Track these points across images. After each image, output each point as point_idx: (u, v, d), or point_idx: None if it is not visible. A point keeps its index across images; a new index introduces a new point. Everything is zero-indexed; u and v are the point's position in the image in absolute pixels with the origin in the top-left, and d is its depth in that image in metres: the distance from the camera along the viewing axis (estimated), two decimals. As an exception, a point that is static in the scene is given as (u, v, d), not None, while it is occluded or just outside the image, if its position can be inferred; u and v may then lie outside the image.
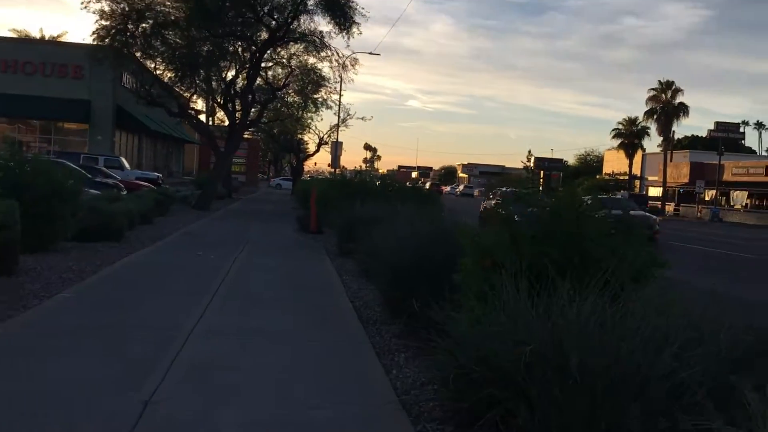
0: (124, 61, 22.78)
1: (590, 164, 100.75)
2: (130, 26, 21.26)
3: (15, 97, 35.77)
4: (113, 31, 20.93)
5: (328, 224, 16.87)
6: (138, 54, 23.48)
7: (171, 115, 26.36)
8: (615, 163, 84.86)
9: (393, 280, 6.39)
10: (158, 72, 26.28)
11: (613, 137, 63.59)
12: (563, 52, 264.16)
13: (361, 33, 23.57)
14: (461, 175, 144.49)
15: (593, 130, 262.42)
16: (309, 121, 43.14)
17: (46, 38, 48.96)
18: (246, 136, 62.50)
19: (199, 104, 39.85)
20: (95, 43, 21.22)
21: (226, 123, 31.38)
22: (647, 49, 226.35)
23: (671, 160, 63.79)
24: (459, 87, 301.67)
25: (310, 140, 55.21)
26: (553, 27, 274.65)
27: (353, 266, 10.91)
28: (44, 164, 9.75)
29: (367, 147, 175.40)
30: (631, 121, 62.17)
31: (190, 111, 27.50)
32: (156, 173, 31.79)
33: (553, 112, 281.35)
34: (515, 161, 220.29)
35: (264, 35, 24.19)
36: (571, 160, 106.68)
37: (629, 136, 61.69)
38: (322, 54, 25.61)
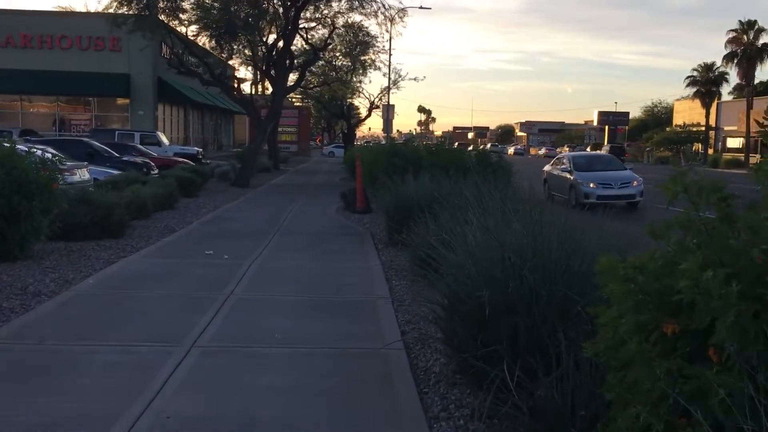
0: (150, 26, 20.57)
1: (658, 116, 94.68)
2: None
3: (52, 74, 34.44)
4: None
5: (376, 198, 14.46)
6: (164, 17, 21.25)
7: (204, 84, 24.20)
8: (686, 114, 78.97)
9: (467, 320, 3.87)
10: (191, 37, 24.16)
11: (688, 85, 58.50)
12: (621, 0, 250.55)
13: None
14: (519, 133, 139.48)
15: (656, 81, 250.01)
16: (358, 84, 40.50)
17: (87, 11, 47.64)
18: (296, 103, 60.79)
19: (243, 72, 37.83)
20: (115, 6, 19.05)
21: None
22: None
23: (752, 108, 58.36)
24: (513, 44, 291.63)
25: (361, 105, 52.70)
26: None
27: (405, 262, 8.46)
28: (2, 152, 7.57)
29: (421, 109, 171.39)
30: (708, 67, 56.93)
31: (225, 79, 25.29)
32: (195, 148, 29.93)
33: (612, 64, 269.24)
34: (575, 117, 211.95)
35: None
36: (635, 112, 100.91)
37: (705, 84, 56.47)
38: (368, 8, 22.88)
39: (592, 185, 16.62)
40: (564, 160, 19.10)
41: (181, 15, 21.89)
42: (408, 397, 4.04)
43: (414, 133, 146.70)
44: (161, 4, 20.27)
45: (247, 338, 5.12)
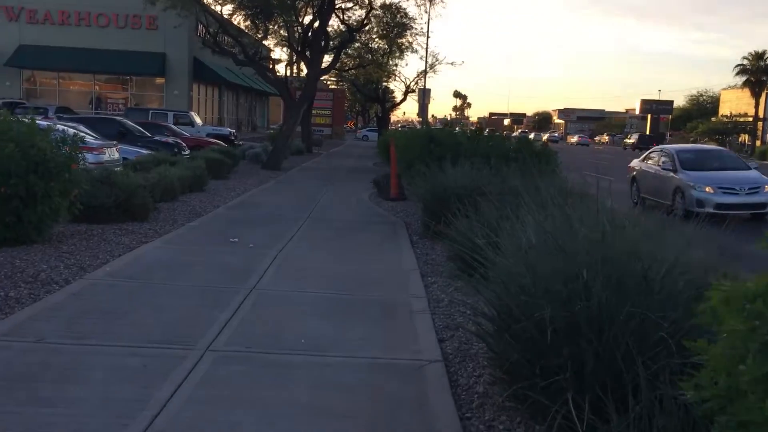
0: (184, 3, 20.17)
1: (703, 106, 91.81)
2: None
3: (89, 52, 34.49)
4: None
5: (411, 185, 13.88)
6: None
7: (238, 64, 23.79)
8: (734, 104, 76.31)
9: (521, 341, 3.28)
10: (226, 16, 23.75)
11: (737, 74, 56.27)
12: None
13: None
14: (557, 120, 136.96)
15: (701, 70, 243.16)
16: (394, 67, 39.75)
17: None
18: (331, 86, 60.23)
19: (277, 53, 37.45)
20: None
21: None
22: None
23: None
24: (553, 29, 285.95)
25: (397, 89, 52.00)
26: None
27: (442, 257, 7.89)
28: (15, 128, 7.16)
29: (457, 94, 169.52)
30: (758, 56, 54.68)
31: (259, 59, 24.84)
32: (228, 129, 29.62)
33: (654, 51, 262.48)
34: (614, 104, 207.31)
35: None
36: (679, 101, 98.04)
37: (756, 72, 54.29)
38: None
39: (708, 189, 12.96)
40: (664, 155, 14.95)
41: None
42: (448, 422, 3.49)
43: (449, 119, 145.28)
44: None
45: (268, 343, 4.61)
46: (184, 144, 19.28)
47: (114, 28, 35.39)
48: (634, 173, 15.88)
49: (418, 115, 41.77)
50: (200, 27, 32.37)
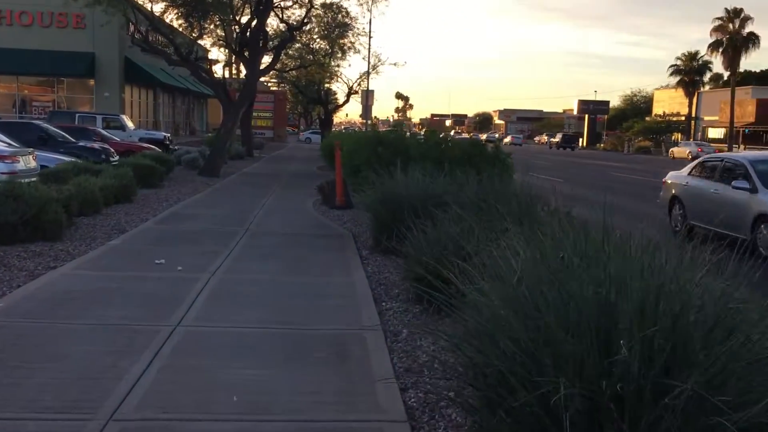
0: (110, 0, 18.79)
1: (637, 105, 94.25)
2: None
3: (11, 52, 32.30)
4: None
5: (358, 191, 13.06)
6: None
7: (171, 64, 22.47)
8: (667, 104, 78.52)
9: (522, 423, 2.48)
10: (158, 13, 22.40)
11: (671, 74, 57.81)
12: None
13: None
14: (497, 121, 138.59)
15: (633, 71, 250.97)
16: (336, 68, 38.89)
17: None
18: (272, 88, 58.77)
19: (215, 54, 36.05)
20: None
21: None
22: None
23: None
24: (492, 32, 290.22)
25: (339, 90, 51.13)
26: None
27: (396, 276, 7.11)
28: None
29: (399, 96, 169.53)
30: (691, 56, 56.23)
31: (195, 59, 23.55)
32: (163, 133, 28.13)
33: (587, 53, 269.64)
34: (551, 105, 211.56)
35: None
36: (615, 101, 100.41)
37: (689, 73, 55.74)
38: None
39: None
40: (729, 166, 10.72)
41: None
42: None
43: (392, 120, 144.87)
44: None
45: (190, 404, 3.70)
46: (112, 150, 17.93)
47: (38, 27, 33.32)
48: (676, 191, 11.88)
49: (362, 116, 40.99)
50: (131, 26, 30.86)
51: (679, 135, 74.25)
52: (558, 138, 76.24)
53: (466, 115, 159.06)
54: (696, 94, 63.11)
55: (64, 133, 17.88)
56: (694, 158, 54.35)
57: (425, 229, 6.74)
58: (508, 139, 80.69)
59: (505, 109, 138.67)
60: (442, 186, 8.50)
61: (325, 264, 7.70)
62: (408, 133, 12.93)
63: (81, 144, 17.44)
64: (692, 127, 67.16)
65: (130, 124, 26.37)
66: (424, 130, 14.74)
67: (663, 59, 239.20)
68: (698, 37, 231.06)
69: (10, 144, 13.74)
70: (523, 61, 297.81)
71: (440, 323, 5.21)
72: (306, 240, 9.26)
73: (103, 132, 22.31)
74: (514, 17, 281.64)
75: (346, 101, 45.46)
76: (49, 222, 8.14)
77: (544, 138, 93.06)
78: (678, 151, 53.61)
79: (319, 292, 6.35)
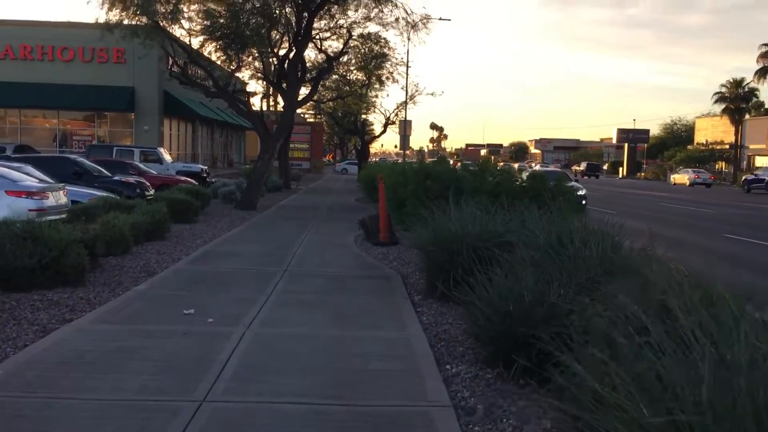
0: (149, 32, 18.50)
1: (677, 134, 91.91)
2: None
3: (53, 87, 32.65)
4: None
5: (403, 226, 12.16)
6: (166, 24, 19.15)
7: (208, 96, 22.08)
8: (709, 132, 76.26)
9: None
10: (197, 47, 22.13)
11: (716, 102, 55.89)
12: (633, 20, 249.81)
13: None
14: (533, 151, 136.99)
15: (669, 99, 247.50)
16: (373, 98, 38.43)
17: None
18: (309, 119, 58.75)
19: (252, 86, 35.94)
20: (106, 8, 16.90)
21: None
22: (723, 13, 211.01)
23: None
24: (527, 61, 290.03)
25: (376, 120, 50.74)
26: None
27: (459, 329, 6.16)
28: None
29: (434, 126, 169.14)
30: (737, 83, 54.36)
31: (233, 91, 23.18)
32: (200, 166, 27.78)
33: (624, 83, 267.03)
34: (588, 134, 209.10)
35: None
36: (653, 130, 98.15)
37: (734, 100, 53.85)
38: (386, 12, 20.69)
39: None
40: None
41: (183, 21, 19.86)
42: None
43: (426, 150, 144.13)
44: (161, 9, 18.16)
45: None
46: (148, 184, 17.41)
47: (79, 62, 33.62)
48: None
49: (400, 146, 40.31)
50: (169, 58, 30.89)
51: (724, 164, 71.85)
52: (582, 166, 76.82)
53: (501, 145, 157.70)
54: (741, 121, 61.03)
55: (99, 168, 17.47)
56: (692, 184, 53.65)
57: (491, 275, 5.80)
58: (581, 167, 79.64)
59: (542, 139, 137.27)
60: (502, 223, 7.55)
61: (374, 312, 6.78)
62: (457, 164, 11.99)
63: (116, 178, 16.97)
64: (737, 155, 64.81)
65: (167, 157, 26.08)
66: (479, 161, 13.82)
67: (699, 88, 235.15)
68: (735, 66, 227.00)
69: (41, 180, 13.27)
70: (558, 90, 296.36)
71: (529, 397, 4.24)
72: (350, 282, 8.37)
73: (141, 165, 21.95)
74: (546, 46, 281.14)
75: (383, 132, 44.92)
76: (71, 266, 7.41)
77: (582, 167, 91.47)
78: (678, 178, 55.66)
79: (371, 350, 5.42)
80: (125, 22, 17.28)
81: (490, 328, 5.17)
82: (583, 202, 18.41)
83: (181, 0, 18.19)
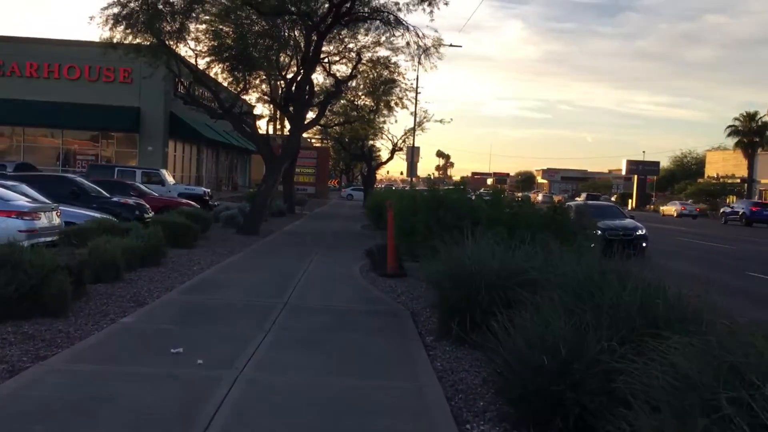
0: (153, 50, 18.11)
1: (688, 167, 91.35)
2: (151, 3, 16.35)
3: (58, 105, 32.33)
4: (129, 8, 16.12)
5: (412, 256, 11.50)
6: (172, 43, 18.76)
7: (213, 117, 21.61)
8: (720, 165, 75.68)
9: None
10: (203, 68, 21.75)
11: (729, 135, 55.36)
12: (640, 52, 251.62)
13: (447, 3, 18.07)
14: (540, 180, 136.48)
15: (675, 132, 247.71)
16: (381, 124, 38.02)
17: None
18: (315, 144, 58.44)
19: (259, 109, 35.59)
20: (109, 27, 16.47)
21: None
22: (730, 47, 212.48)
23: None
24: (532, 92, 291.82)
25: (383, 146, 50.40)
26: (629, 27, 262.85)
27: (477, 378, 5.49)
28: None
29: (440, 154, 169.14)
30: (750, 117, 53.90)
31: (240, 113, 22.74)
32: (203, 188, 27.26)
33: (631, 114, 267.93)
34: (595, 165, 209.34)
35: (324, 9, 19.08)
36: (663, 162, 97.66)
37: (748, 134, 53.34)
38: (397, 35, 20.27)
39: None
40: None
41: (189, 39, 19.49)
42: None
43: (432, 177, 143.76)
44: (167, 27, 17.77)
45: None
46: (147, 206, 16.85)
47: (85, 81, 33.34)
48: None
49: (407, 173, 39.79)
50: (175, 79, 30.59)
51: (734, 197, 71.18)
52: (582, 197, 75.93)
53: (508, 174, 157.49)
54: (754, 155, 60.48)
55: (98, 188, 16.93)
56: (679, 216, 55.14)
57: (516, 319, 5.15)
58: (539, 198, 78.99)
59: (549, 169, 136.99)
60: (524, 259, 6.90)
61: (381, 356, 6.11)
62: (473, 193, 11.27)
63: (114, 199, 16.42)
64: (747, 189, 64.11)
65: (170, 179, 25.58)
66: (494, 189, 13.19)
67: (705, 122, 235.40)
68: (742, 100, 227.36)
69: (35, 199, 12.73)
70: (564, 121, 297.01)
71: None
72: (356, 319, 7.70)
73: (141, 187, 21.44)
74: (551, 77, 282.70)
75: (390, 158, 44.43)
76: (52, 295, 6.77)
77: (581, 197, 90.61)
78: (666, 210, 59.61)
79: (378, 403, 4.75)
80: (129, 39, 16.85)
81: (517, 384, 4.50)
82: (644, 244, 16.96)
83: (188, 17, 17.79)
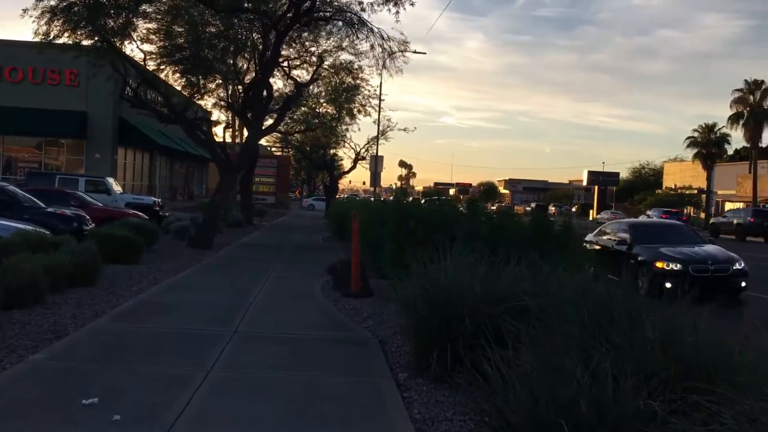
0: (98, 51, 16.70)
1: (645, 178, 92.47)
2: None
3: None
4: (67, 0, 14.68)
5: (379, 272, 10.45)
6: (117, 42, 17.36)
7: (162, 121, 20.24)
8: (678, 176, 76.70)
9: None
10: (153, 69, 20.38)
11: (688, 146, 55.84)
12: (597, 65, 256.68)
13: (413, 3, 17.12)
14: (503, 191, 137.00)
15: (632, 144, 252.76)
16: (344, 132, 36.92)
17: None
18: (276, 153, 56.96)
19: (215, 115, 34.12)
20: (44, 22, 14.95)
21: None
22: (683, 61, 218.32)
23: (751, 172, 55.42)
24: (493, 103, 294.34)
25: (345, 155, 49.31)
26: (585, 40, 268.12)
27: (464, 427, 4.44)
28: None
29: (402, 164, 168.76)
30: (709, 128, 54.45)
31: (195, 119, 21.40)
32: (152, 198, 25.71)
33: (589, 126, 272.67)
34: (555, 176, 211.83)
35: (284, 8, 17.96)
36: (622, 173, 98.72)
37: (707, 145, 53.84)
38: (361, 37, 19.24)
39: None
40: None
41: (136, 38, 18.13)
42: None
43: (394, 187, 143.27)
44: (110, 23, 16.37)
45: None
46: (87, 217, 15.39)
47: (29, 83, 31.40)
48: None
49: (371, 183, 38.83)
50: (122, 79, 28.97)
51: (691, 208, 72.09)
52: (533, 206, 77.74)
53: (470, 184, 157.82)
54: (712, 166, 61.23)
55: (31, 197, 15.41)
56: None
57: (514, 359, 4.16)
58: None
59: (510, 179, 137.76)
60: (513, 281, 5.89)
61: (348, 402, 5.01)
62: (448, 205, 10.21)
63: (50, 210, 14.92)
64: (708, 200, 64.90)
65: (116, 188, 23.99)
66: (470, 198, 12.28)
67: (660, 133, 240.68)
68: (696, 113, 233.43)
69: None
70: (524, 132, 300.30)
71: None
72: (317, 351, 6.57)
73: (84, 196, 19.89)
74: (510, 89, 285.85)
75: (353, 167, 43.38)
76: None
77: (554, 209, 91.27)
78: (598, 218, 61.04)
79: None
80: (68, 36, 15.39)
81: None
82: (743, 284, 11.66)
83: (135, 14, 16.43)
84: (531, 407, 3.64)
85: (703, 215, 61.61)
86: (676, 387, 3.59)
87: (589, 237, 14.94)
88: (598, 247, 14.02)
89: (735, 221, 37.22)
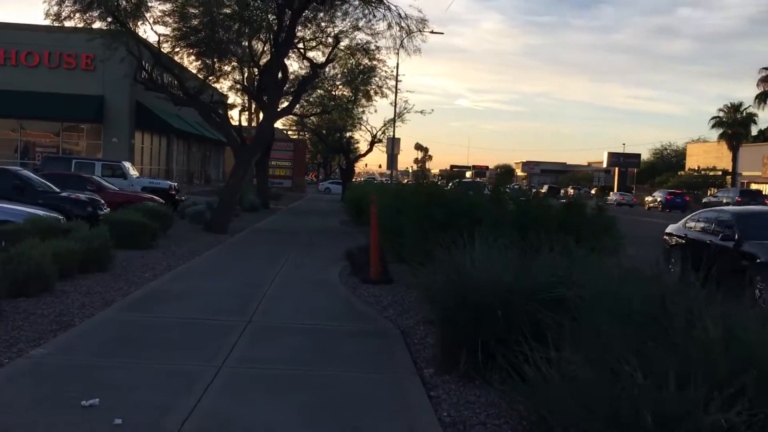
0: (115, 33, 16.36)
1: (667, 159, 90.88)
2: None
3: (15, 94, 30.20)
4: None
5: (398, 257, 10.02)
6: (132, 25, 17.00)
7: (177, 104, 19.90)
8: (701, 157, 75.22)
9: None
10: (167, 51, 20.01)
11: (713, 126, 54.56)
12: (616, 45, 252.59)
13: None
14: (520, 173, 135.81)
15: (653, 124, 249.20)
16: (360, 115, 36.41)
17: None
18: (292, 136, 56.60)
19: (232, 97, 33.75)
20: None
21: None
22: (704, 40, 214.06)
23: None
24: (510, 85, 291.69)
25: (362, 138, 48.78)
26: (604, 20, 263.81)
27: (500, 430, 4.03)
28: None
29: (419, 147, 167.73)
30: (735, 108, 53.13)
31: (211, 102, 21.06)
32: (168, 182, 25.44)
33: (609, 107, 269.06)
34: (574, 158, 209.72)
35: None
36: (643, 154, 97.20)
37: (732, 125, 52.55)
38: (378, 15, 18.69)
39: None
40: None
41: (151, 21, 17.75)
42: None
43: (410, 171, 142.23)
44: (123, 4, 16.00)
45: None
46: (102, 201, 15.13)
47: (45, 68, 31.24)
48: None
49: (387, 166, 38.30)
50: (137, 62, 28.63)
51: (715, 189, 70.75)
52: (545, 189, 75.94)
53: (487, 167, 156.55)
54: (738, 147, 59.93)
55: (46, 182, 15.17)
56: (618, 204, 55.18)
57: (554, 359, 3.73)
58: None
59: (528, 161, 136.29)
60: (548, 270, 5.44)
61: (370, 402, 4.62)
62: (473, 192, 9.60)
63: (64, 194, 14.68)
64: (728, 182, 63.61)
65: (133, 172, 23.75)
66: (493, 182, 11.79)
67: (682, 114, 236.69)
68: (718, 93, 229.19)
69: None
70: (542, 114, 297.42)
71: None
72: (335, 344, 6.18)
73: (100, 180, 19.65)
74: (528, 70, 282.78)
75: (369, 150, 42.84)
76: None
77: (571, 190, 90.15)
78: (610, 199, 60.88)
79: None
80: (80, 17, 15.05)
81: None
82: None
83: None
84: (583, 417, 3.21)
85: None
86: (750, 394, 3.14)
87: (671, 228, 12.81)
88: (683, 242, 11.82)
89: (724, 200, 39.45)
